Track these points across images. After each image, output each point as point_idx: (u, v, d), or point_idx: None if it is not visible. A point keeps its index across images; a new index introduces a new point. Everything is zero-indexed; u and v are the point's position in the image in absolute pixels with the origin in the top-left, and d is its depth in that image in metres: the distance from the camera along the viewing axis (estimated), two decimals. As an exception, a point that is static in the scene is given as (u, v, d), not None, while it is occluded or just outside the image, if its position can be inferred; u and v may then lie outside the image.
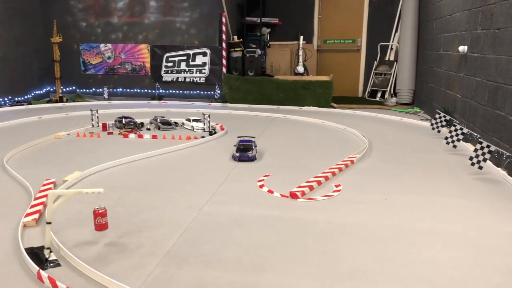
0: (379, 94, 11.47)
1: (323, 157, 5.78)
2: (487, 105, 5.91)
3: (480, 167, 4.98)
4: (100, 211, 3.28)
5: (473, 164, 5.00)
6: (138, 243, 3.25)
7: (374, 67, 11.71)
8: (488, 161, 5.10)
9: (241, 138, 6.19)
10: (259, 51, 10.72)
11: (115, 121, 7.39)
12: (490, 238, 3.45)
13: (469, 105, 6.67)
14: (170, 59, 10.75)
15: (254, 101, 10.23)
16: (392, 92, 11.23)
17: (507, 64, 5.28)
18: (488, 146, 4.89)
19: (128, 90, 11.06)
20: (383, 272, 2.93)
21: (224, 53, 10.52)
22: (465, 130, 6.01)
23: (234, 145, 5.83)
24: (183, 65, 10.74)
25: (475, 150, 4.99)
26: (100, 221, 3.25)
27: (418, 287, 2.75)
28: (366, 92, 11.85)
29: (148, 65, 10.88)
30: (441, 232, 3.56)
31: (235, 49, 10.67)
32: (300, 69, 10.97)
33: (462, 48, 6.95)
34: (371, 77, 11.74)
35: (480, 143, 4.96)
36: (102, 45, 10.99)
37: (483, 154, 4.92)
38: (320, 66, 11.99)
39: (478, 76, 6.29)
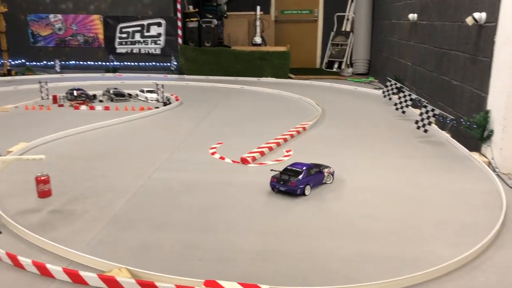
0: (336, 65, 11.59)
1: (277, 125, 5.83)
2: (434, 71, 6.09)
3: (426, 130, 5.16)
4: (42, 178, 3.22)
5: (418, 127, 5.18)
6: (84, 209, 3.23)
7: (331, 38, 11.79)
8: (433, 124, 5.29)
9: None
10: (215, 22, 10.56)
11: (66, 93, 7.19)
12: (426, 194, 3.62)
13: (418, 72, 6.85)
14: (124, 30, 10.47)
15: (212, 72, 10.14)
16: (348, 62, 11.38)
17: (451, 30, 5.44)
18: (432, 110, 5.07)
19: (81, 63, 10.73)
20: (324, 228, 3.03)
21: (179, 24, 10.33)
22: (413, 96, 6.20)
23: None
24: (137, 36, 10.48)
25: (420, 114, 5.16)
26: (43, 187, 3.20)
27: (355, 239, 2.87)
28: (324, 63, 11.96)
29: (101, 36, 10.56)
30: (383, 190, 3.70)
31: (191, 19, 10.47)
32: (258, 39, 10.93)
33: (412, 16, 7.09)
34: (328, 48, 11.83)
35: (425, 107, 5.13)
36: (51, 15, 10.55)
37: (428, 118, 5.10)
38: (278, 37, 11.95)
39: (426, 43, 6.45)
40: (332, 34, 11.78)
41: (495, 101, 4.16)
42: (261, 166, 4.28)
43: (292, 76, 10.36)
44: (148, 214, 3.20)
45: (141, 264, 2.49)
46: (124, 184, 3.76)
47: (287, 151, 4.72)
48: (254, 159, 4.41)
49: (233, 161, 4.39)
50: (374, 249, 2.74)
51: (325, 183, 3.79)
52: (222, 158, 4.48)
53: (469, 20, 4.59)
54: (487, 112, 4.24)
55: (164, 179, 3.87)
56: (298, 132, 5.46)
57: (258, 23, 10.90)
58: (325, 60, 11.88)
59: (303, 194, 3.52)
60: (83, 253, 2.56)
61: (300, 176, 3.54)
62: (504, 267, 2.54)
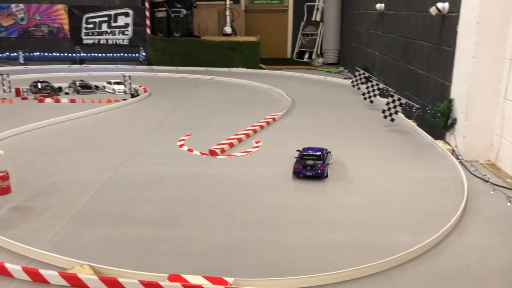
0: (306, 55, 11.62)
1: (247, 116, 5.82)
2: (400, 61, 6.17)
3: (392, 120, 5.24)
4: (0, 174, 3.12)
5: (385, 117, 5.25)
6: (46, 206, 3.15)
7: (301, 28, 11.80)
8: (400, 113, 5.37)
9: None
10: (184, 11, 10.41)
11: (30, 85, 6.97)
12: (392, 182, 3.68)
13: (385, 62, 6.93)
14: (90, 20, 10.21)
15: (181, 62, 10.02)
16: (319, 52, 11.42)
17: (416, 20, 5.51)
18: (399, 99, 5.14)
19: (46, 54, 10.42)
20: (290, 218, 3.04)
21: (147, 14, 10.14)
22: (381, 86, 6.27)
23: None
24: (104, 27, 10.25)
25: (387, 104, 5.23)
26: (1, 184, 3.09)
27: (321, 229, 2.89)
28: (294, 53, 11.97)
29: (66, 27, 10.27)
30: (351, 179, 3.75)
31: (159, 9, 10.30)
32: (228, 29, 10.85)
33: (379, 6, 7.15)
34: (298, 38, 11.85)
35: (392, 96, 5.20)
36: (13, 5, 10.19)
37: (395, 107, 5.17)
38: (248, 27, 11.89)
39: (393, 33, 6.53)
40: (302, 24, 11.79)
41: (458, 90, 4.24)
42: (230, 157, 4.27)
43: (263, 66, 10.34)
44: (113, 209, 3.14)
45: (105, 260, 2.45)
46: (89, 178, 3.68)
47: (256, 142, 4.72)
48: (222, 150, 4.39)
49: (201, 153, 4.36)
50: (339, 238, 2.77)
51: (329, 163, 3.89)
52: (190, 150, 4.44)
53: (432, 10, 4.65)
54: (450, 101, 4.33)
55: (131, 173, 3.82)
56: (268, 123, 5.46)
57: (228, 13, 10.81)
58: (296, 50, 11.89)
59: (327, 176, 3.68)
60: (44, 250, 2.50)
61: (323, 160, 3.70)
62: (464, 252, 2.61)
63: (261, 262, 2.50)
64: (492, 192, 3.45)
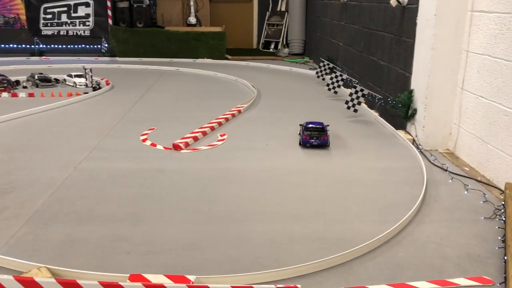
0: (272, 45, 11.61)
1: (212, 108, 5.77)
2: (363, 51, 6.25)
3: (355, 110, 5.31)
4: (-48, 175, 2.99)
5: (348, 108, 5.31)
6: (2, 206, 3.04)
7: (266, 18, 11.77)
8: (363, 104, 5.45)
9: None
10: (147, 1, 10.20)
11: (-15, 79, 6.70)
12: (354, 173, 3.73)
13: (349, 52, 7.01)
14: (48, 10, 9.87)
15: (145, 54, 9.84)
16: (284, 42, 11.43)
17: (378, 11, 5.58)
18: (361, 90, 5.21)
19: (2, 46, 10.02)
20: (255, 211, 3.05)
21: (109, 4, 9.88)
22: (345, 77, 6.34)
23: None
24: (64, 17, 9.93)
25: (350, 95, 5.29)
26: (-46, 185, 2.98)
27: (285, 222, 2.91)
28: (260, 43, 11.94)
29: (23, 17, 9.90)
30: (315, 171, 3.78)
31: (121, -1, 10.05)
32: (192, 20, 10.69)
33: (343, -3, 7.21)
34: (264, 28, 11.81)
35: (355, 87, 5.26)
36: (-34, -6, 9.75)
37: (358, 98, 5.24)
38: (213, 17, 11.76)
39: (356, 24, 6.59)
40: (268, 14, 11.76)
41: (417, 81, 4.33)
42: (194, 152, 4.23)
43: (229, 57, 10.27)
44: (73, 207, 3.07)
45: (64, 261, 2.40)
46: (48, 176, 3.58)
47: (221, 135, 4.69)
48: (187, 144, 4.35)
49: (164, 147, 4.30)
50: (303, 230, 2.79)
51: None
52: (153, 144, 4.38)
53: (392, 2, 4.72)
54: (410, 91, 4.42)
55: (92, 170, 3.73)
56: (233, 115, 5.43)
57: (192, 2, 10.64)
58: (262, 40, 11.87)
59: (329, 145, 4.32)
60: None
61: (325, 131, 4.32)
62: (422, 241, 2.68)
63: (224, 258, 2.49)
64: (450, 181, 3.55)
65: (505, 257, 2.36)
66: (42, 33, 9.98)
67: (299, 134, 4.50)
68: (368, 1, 6.02)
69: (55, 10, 9.87)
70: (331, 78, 6.45)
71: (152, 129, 4.87)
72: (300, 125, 4.58)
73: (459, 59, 3.99)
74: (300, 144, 4.36)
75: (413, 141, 4.34)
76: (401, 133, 4.56)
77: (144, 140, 4.49)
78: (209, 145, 4.40)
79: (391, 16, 5.11)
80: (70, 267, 2.29)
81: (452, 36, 3.95)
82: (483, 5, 3.67)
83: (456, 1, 3.88)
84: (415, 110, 4.36)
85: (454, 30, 3.93)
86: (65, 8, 9.88)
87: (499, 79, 3.43)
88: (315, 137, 4.24)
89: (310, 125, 4.38)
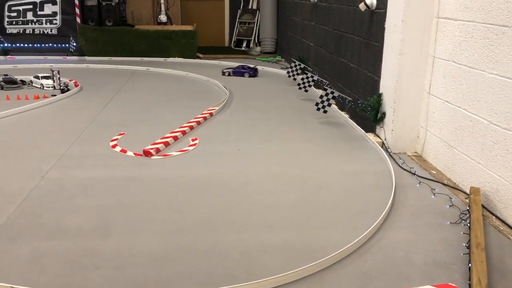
0: (244, 44, 11.59)
1: (184, 111, 5.73)
2: (333, 53, 6.30)
3: (325, 111, 5.36)
4: None
5: (318, 109, 5.36)
6: (-35, 221, 2.96)
7: (238, 16, 11.73)
8: (334, 105, 5.50)
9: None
10: (116, -1, 10.03)
11: None
12: (324, 178, 3.77)
13: (319, 53, 7.06)
14: (13, 8, 9.58)
15: (115, 53, 9.68)
16: (256, 41, 11.42)
17: (347, 13, 5.64)
18: (332, 92, 5.26)
19: (-36, 44, 9.69)
20: (226, 220, 3.05)
21: (76, 2, 9.65)
22: (315, 78, 6.39)
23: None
24: (29, 15, 9.65)
25: (321, 97, 5.33)
26: None
27: (256, 230, 2.92)
28: (232, 42, 11.91)
29: (-13, 15, 9.58)
30: (285, 175, 3.81)
31: (89, -3, 9.84)
32: (163, 18, 10.58)
33: (313, -2, 7.24)
34: (236, 26, 11.78)
35: (325, 89, 5.31)
36: None
37: (328, 99, 5.29)
38: (184, 15, 11.66)
39: (326, 25, 6.64)
40: (239, 12, 11.72)
41: (386, 85, 4.40)
42: (165, 158, 4.19)
43: (201, 55, 10.20)
44: (41, 220, 3.00)
45: (31, 279, 2.35)
46: (14, 187, 3.49)
47: (193, 140, 4.67)
48: (157, 150, 4.31)
49: (135, 154, 4.25)
50: (274, 240, 2.81)
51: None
52: (123, 151, 4.31)
53: (361, 6, 4.77)
54: (379, 95, 4.49)
55: (59, 179, 3.65)
56: (205, 118, 5.41)
57: (162, 0, 10.52)
58: (234, 38, 11.83)
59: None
60: (-37, 273, 2.35)
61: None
62: (390, 248, 2.73)
63: (196, 271, 2.49)
64: (418, 185, 3.63)
65: (469, 264, 2.43)
66: (7, 32, 9.68)
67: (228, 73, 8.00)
68: (337, 3, 6.07)
69: (20, 8, 9.58)
70: (302, 79, 6.49)
71: (122, 134, 4.80)
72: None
73: (425, 64, 4.07)
74: (230, 74, 7.99)
75: (382, 144, 4.42)
76: (370, 136, 4.63)
77: (113, 146, 4.42)
78: (180, 151, 4.37)
79: (360, 20, 5.17)
80: (38, 286, 2.25)
81: (419, 42, 4.03)
82: (448, 13, 3.75)
83: (422, 8, 3.95)
84: (384, 114, 4.43)
85: (421, 35, 4.00)
86: (31, 6, 9.60)
87: (464, 85, 3.52)
88: (252, 70, 7.91)
89: (245, 66, 8.06)
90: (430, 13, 3.96)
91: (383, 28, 4.45)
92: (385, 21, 4.41)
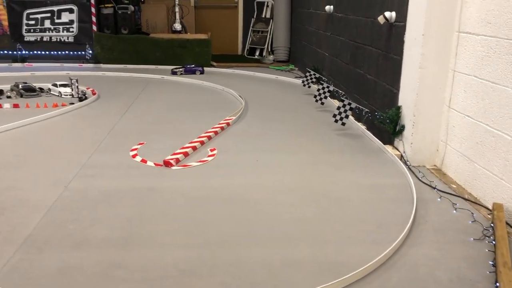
0: (257, 52, 11.65)
1: (201, 120, 5.78)
2: (349, 64, 6.32)
3: (343, 124, 5.37)
4: None
5: (336, 121, 5.37)
6: (-7, 230, 3.00)
7: (251, 25, 11.80)
8: (350, 116, 5.52)
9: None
10: (132, 7, 10.13)
11: (-32, 89, 6.58)
12: (343, 191, 3.78)
13: (335, 63, 7.08)
14: (31, 16, 9.71)
15: (130, 61, 9.77)
16: (269, 49, 11.48)
17: (365, 25, 5.66)
18: (349, 104, 5.28)
19: (-17, 51, 9.84)
20: (248, 233, 3.07)
21: (93, 10, 9.78)
22: (331, 88, 6.41)
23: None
24: (47, 23, 9.79)
25: (338, 108, 5.35)
26: None
27: (278, 244, 2.94)
28: (245, 50, 11.97)
29: (5, 23, 9.72)
30: (305, 188, 3.82)
31: (106, 5, 9.96)
32: (178, 26, 10.66)
33: (329, 8, 7.27)
34: (249, 34, 11.85)
35: (342, 101, 5.32)
36: None
37: (345, 111, 5.30)
38: (198, 23, 11.75)
39: (342, 35, 6.67)
40: (253, 20, 11.79)
41: (405, 98, 4.41)
42: (185, 168, 4.23)
43: (214, 63, 10.27)
44: (67, 231, 3.04)
45: (60, 290, 2.38)
46: (38, 196, 3.54)
47: (211, 150, 4.70)
48: (177, 161, 4.34)
49: (155, 164, 4.29)
50: (297, 254, 2.82)
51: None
52: (144, 161, 4.36)
53: (380, 19, 4.79)
54: (398, 108, 4.49)
55: (83, 189, 3.70)
56: (222, 128, 5.44)
57: (177, 9, 10.62)
58: (247, 47, 11.90)
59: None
60: (-6, 283, 2.39)
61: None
62: (415, 264, 2.73)
63: (222, 285, 2.51)
64: (439, 199, 3.63)
65: (497, 283, 2.43)
66: (25, 39, 9.82)
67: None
68: (354, 14, 6.10)
69: (38, 16, 9.72)
70: (318, 90, 6.51)
71: (141, 143, 4.85)
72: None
73: (446, 78, 4.08)
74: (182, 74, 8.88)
75: (401, 157, 4.42)
76: (388, 148, 4.64)
77: (134, 156, 4.47)
78: (200, 161, 4.40)
79: (378, 32, 5.19)
80: (67, 298, 2.28)
81: (439, 56, 4.04)
82: (469, 27, 3.76)
83: (443, 22, 3.96)
84: (403, 127, 4.43)
85: (442, 49, 4.01)
86: (49, 14, 9.73)
87: (486, 100, 3.52)
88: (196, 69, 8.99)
89: (190, 66, 9.09)
90: (451, 27, 3.97)
91: (402, 41, 4.46)
92: (404, 34, 4.42)
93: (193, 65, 9.18)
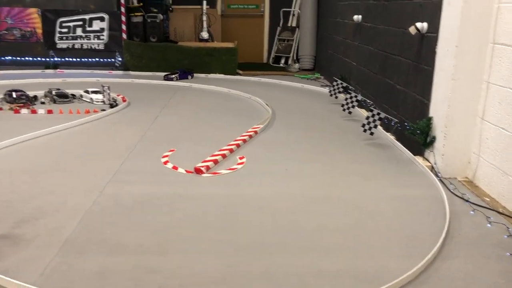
0: (283, 60, 11.70)
1: (229, 128, 5.84)
2: (378, 74, 6.31)
3: (372, 133, 5.36)
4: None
5: (365, 130, 5.36)
6: (34, 233, 3.10)
7: (277, 33, 11.87)
8: (379, 126, 5.50)
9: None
10: (161, 16, 10.33)
11: (5, 94, 6.79)
12: (373, 202, 3.76)
13: (363, 73, 7.07)
14: (64, 24, 9.99)
15: (158, 68, 9.94)
16: (295, 58, 11.52)
17: (394, 35, 5.65)
18: (378, 114, 5.26)
19: (18, 58, 10.14)
20: (279, 242, 3.09)
21: (123, 18, 10.00)
22: (359, 98, 6.40)
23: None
24: (79, 31, 10.05)
25: (367, 118, 5.34)
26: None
27: (310, 254, 2.95)
28: (271, 58, 12.04)
29: (39, 31, 10.02)
30: (335, 198, 3.83)
31: (135, 14, 10.18)
32: (205, 35, 10.80)
33: (357, 17, 7.28)
34: (274, 43, 11.92)
35: (371, 111, 5.31)
36: (-17, 8, 9.89)
37: (374, 121, 5.29)
38: (224, 32, 11.88)
39: (371, 45, 6.66)
40: (279, 29, 11.86)
41: (437, 109, 4.38)
42: (215, 176, 4.28)
43: (240, 72, 10.36)
44: (103, 235, 3.12)
45: (99, 294, 2.45)
46: (74, 201, 3.63)
47: (240, 158, 4.75)
48: (208, 168, 4.40)
49: (186, 171, 4.36)
50: (329, 266, 2.83)
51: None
52: (175, 168, 4.43)
53: (412, 30, 4.78)
54: (429, 119, 4.46)
55: (117, 194, 3.78)
56: (250, 136, 5.49)
57: (204, 17, 10.76)
58: (272, 55, 11.97)
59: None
60: (35, 286, 2.47)
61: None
62: (449, 278, 2.71)
63: (256, 293, 2.54)
64: (472, 212, 3.59)
65: (535, 300, 2.39)
66: (57, 46, 10.10)
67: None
68: (383, 24, 6.09)
69: (71, 24, 9.99)
70: (346, 99, 6.51)
71: (172, 150, 4.93)
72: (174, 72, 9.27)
73: (479, 89, 4.04)
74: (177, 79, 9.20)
75: (432, 168, 4.38)
76: (419, 159, 4.60)
77: (165, 163, 4.55)
78: (230, 169, 4.45)
79: (408, 42, 5.18)
80: (107, 301, 2.34)
81: (473, 67, 4.00)
82: (504, 39, 3.73)
83: (477, 33, 3.94)
84: (433, 138, 4.40)
85: (475, 61, 3.98)
86: (81, 22, 10.00)
87: (521, 113, 3.48)
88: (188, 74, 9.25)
89: (183, 70, 9.42)
90: (485, 38, 3.94)
91: (434, 52, 4.44)
92: (436, 45, 4.40)
93: (185, 71, 9.61)
